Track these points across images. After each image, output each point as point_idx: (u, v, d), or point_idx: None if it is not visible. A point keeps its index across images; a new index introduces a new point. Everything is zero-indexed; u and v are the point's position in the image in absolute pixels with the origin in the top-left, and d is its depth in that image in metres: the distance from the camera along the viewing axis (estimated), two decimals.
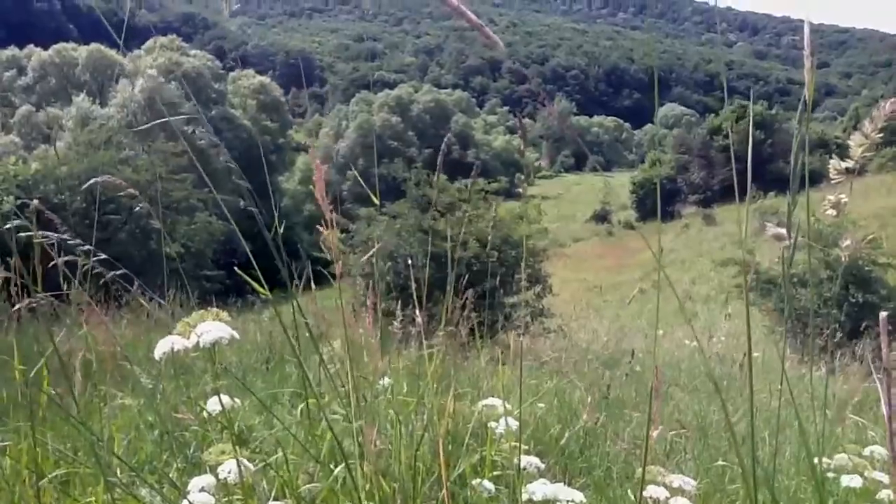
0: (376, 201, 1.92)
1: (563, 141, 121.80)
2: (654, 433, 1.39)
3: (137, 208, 1.72)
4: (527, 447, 2.44)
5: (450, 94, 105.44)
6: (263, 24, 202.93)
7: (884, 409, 0.97)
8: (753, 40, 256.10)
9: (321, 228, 1.53)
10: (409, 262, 10.02)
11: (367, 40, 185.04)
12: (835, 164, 1.24)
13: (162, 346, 1.42)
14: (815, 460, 2.03)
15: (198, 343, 1.37)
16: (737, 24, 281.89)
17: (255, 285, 1.41)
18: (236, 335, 1.41)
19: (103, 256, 2.17)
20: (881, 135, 1.22)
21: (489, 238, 11.27)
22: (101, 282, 2.46)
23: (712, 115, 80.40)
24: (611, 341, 11.66)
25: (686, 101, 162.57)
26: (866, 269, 14.23)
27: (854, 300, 13.80)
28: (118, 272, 2.35)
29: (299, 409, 2.24)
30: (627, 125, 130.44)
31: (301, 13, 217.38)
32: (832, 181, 1.28)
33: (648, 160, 71.88)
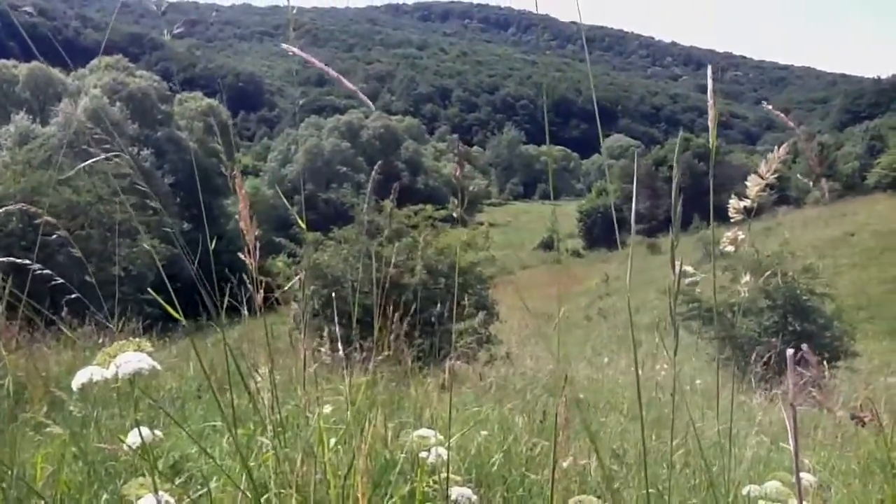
0: (302, 226, 1.91)
1: (511, 169, 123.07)
2: (565, 464, 1.39)
3: (65, 232, 1.67)
4: (461, 477, 2.42)
5: (400, 120, 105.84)
6: (212, 46, 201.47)
7: (790, 442, 0.98)
8: (697, 74, 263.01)
9: (243, 256, 1.51)
10: (354, 286, 9.95)
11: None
12: (734, 203, 1.29)
13: (80, 378, 1.37)
14: (733, 487, 2.06)
15: (117, 374, 1.32)
16: (681, 58, 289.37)
17: (170, 310, 1.38)
18: (157, 366, 1.37)
19: (60, 280, 2.11)
20: (777, 175, 1.27)
21: (418, 266, 11.28)
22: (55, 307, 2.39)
23: (657, 146, 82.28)
24: (556, 368, 11.70)
25: (632, 132, 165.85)
26: (804, 298, 14.60)
27: (792, 329, 14.15)
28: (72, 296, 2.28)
29: (224, 440, 2.19)
30: (575, 155, 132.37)
31: (251, 37, 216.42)
32: (731, 220, 1.33)
33: (595, 190, 73.05)
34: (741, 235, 1.31)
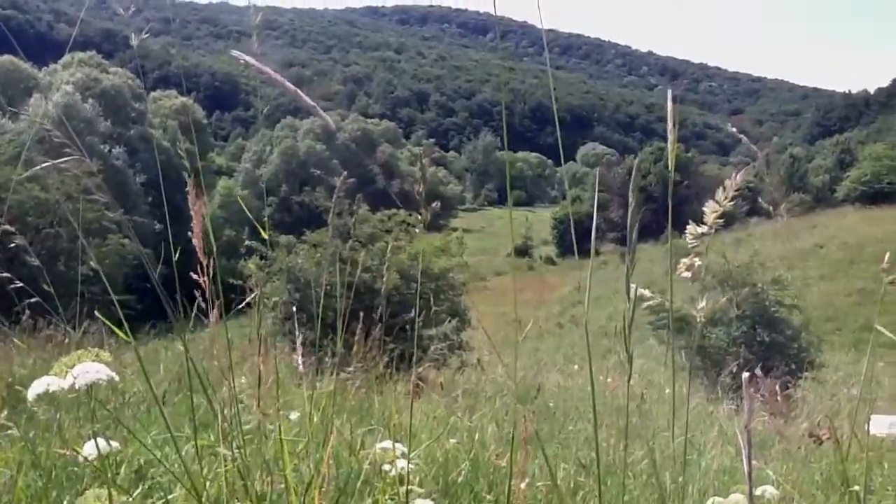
0: (265, 236, 1.89)
1: (486, 175, 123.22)
2: (522, 485, 1.39)
3: (22, 241, 1.65)
4: (424, 489, 2.41)
5: (377, 123, 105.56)
6: (188, 44, 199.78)
7: (744, 466, 0.99)
8: (672, 85, 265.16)
9: (195, 276, 1.49)
10: (326, 290, 9.88)
11: (294, 66, 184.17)
12: (691, 230, 1.30)
13: (36, 388, 1.35)
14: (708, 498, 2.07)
15: (73, 385, 1.30)
16: (657, 68, 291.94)
17: (116, 330, 1.36)
18: (115, 377, 1.35)
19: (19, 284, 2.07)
20: (733, 202, 1.29)
21: (386, 272, 11.26)
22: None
23: (632, 155, 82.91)
24: (527, 376, 11.74)
25: (607, 140, 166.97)
26: (772, 309, 14.76)
27: (760, 339, 14.30)
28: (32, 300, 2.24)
29: (184, 449, 2.16)
30: (550, 162, 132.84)
31: (227, 35, 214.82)
32: (690, 244, 1.34)
33: (570, 197, 73.44)
34: (697, 262, 1.33)
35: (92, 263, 16.76)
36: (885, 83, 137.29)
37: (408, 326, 9.72)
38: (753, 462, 3.40)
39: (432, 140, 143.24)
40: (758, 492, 2.29)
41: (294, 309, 10.37)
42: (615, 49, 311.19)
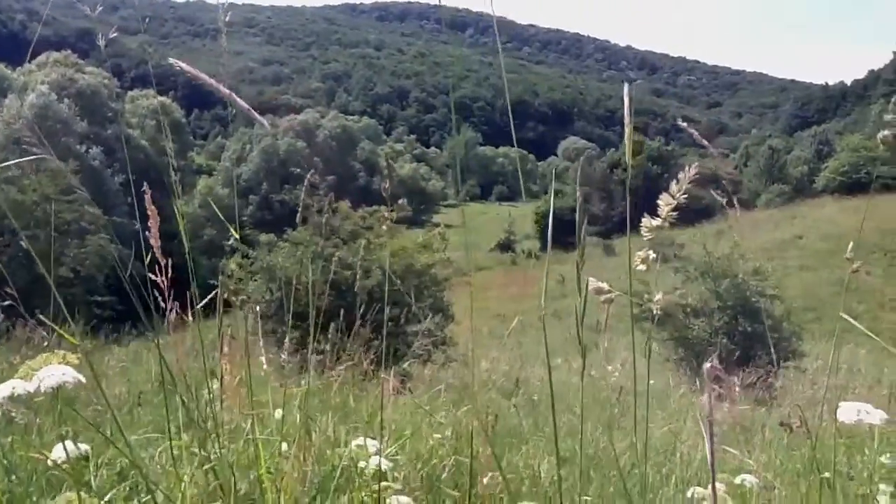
0: (236, 235, 1.87)
1: (468, 170, 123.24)
2: (485, 480, 1.39)
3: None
4: (399, 486, 2.40)
5: (357, 120, 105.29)
6: (166, 43, 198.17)
7: (707, 456, 0.99)
8: (651, 78, 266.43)
9: (152, 276, 1.47)
10: (307, 287, 9.84)
11: (273, 64, 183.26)
12: (646, 222, 1.31)
13: (1, 391, 1.33)
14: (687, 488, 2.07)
15: (39, 388, 1.28)
16: (636, 62, 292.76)
17: (66, 336, 1.33)
18: (82, 378, 1.33)
19: None
20: (686, 196, 1.30)
21: (357, 268, 11.23)
22: None
23: (612, 149, 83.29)
24: (511, 370, 11.75)
25: (588, 134, 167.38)
26: (753, 300, 14.87)
27: (742, 330, 14.41)
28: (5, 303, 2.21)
29: (158, 451, 2.14)
30: (532, 156, 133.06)
31: (205, 34, 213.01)
32: (644, 237, 1.35)
33: (551, 191, 73.72)
34: (652, 255, 1.34)
35: (62, 271, 16.65)
36: (861, 75, 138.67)
37: (390, 322, 9.70)
38: (734, 451, 3.41)
39: (413, 136, 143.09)
40: (737, 480, 2.30)
41: (259, 310, 10.32)
42: (594, 44, 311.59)
